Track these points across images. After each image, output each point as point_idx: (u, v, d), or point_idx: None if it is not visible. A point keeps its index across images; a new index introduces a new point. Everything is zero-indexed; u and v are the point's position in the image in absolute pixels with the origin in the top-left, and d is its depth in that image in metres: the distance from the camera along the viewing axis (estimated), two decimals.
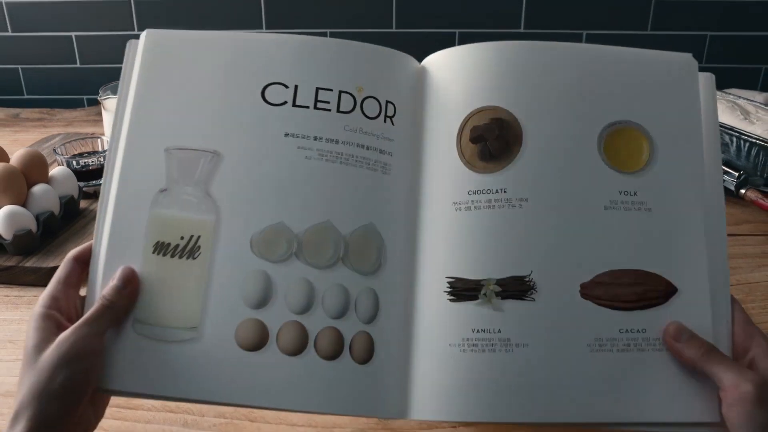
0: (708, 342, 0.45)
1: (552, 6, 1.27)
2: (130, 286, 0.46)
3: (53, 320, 0.44)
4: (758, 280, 0.74)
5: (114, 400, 0.56)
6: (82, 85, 1.36)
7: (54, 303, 0.45)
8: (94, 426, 0.46)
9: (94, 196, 0.87)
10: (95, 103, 1.35)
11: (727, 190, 0.92)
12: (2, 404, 0.57)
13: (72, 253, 0.48)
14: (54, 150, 0.88)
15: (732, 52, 1.33)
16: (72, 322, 0.44)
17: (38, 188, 0.76)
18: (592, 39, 1.30)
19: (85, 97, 1.37)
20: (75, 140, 0.91)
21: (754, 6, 1.29)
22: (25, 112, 1.29)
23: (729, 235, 0.82)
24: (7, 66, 1.34)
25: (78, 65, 1.34)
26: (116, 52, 1.29)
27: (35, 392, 0.41)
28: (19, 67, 1.35)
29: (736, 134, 0.93)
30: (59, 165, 0.86)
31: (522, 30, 1.29)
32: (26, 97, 1.37)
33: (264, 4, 1.26)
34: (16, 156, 0.78)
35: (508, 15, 1.28)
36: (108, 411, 0.55)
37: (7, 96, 1.36)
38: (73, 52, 1.33)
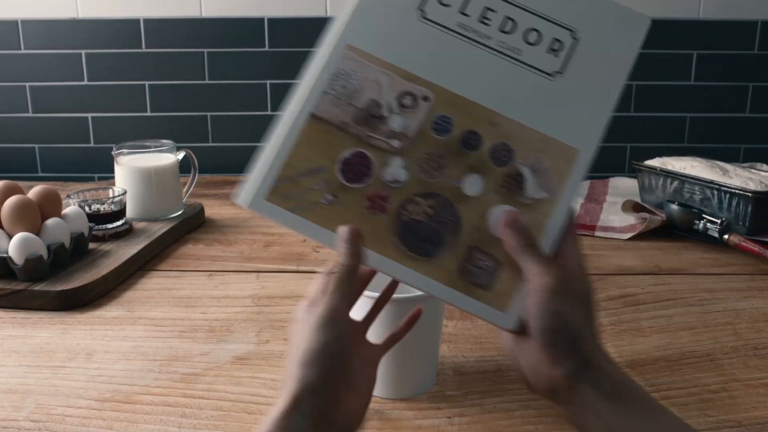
0: (534, 239, 0.47)
1: None
2: (357, 242, 0.47)
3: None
4: (744, 307, 0.77)
5: (112, 394, 0.58)
6: (94, 163, 1.42)
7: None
8: (359, 422, 0.46)
9: (103, 239, 0.90)
10: (105, 179, 1.41)
11: (711, 237, 0.96)
12: (3, 399, 0.58)
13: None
14: (68, 195, 0.92)
15: (712, 132, 1.40)
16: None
17: (51, 221, 0.80)
18: None
19: (96, 175, 1.43)
20: (88, 190, 0.96)
21: (727, 90, 1.38)
22: (39, 185, 1.35)
23: (716, 274, 0.86)
24: (25, 145, 1.42)
25: (92, 144, 1.42)
26: (128, 133, 1.37)
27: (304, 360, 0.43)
28: (36, 146, 1.42)
29: (717, 187, 0.98)
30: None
31: None
32: (40, 174, 1.43)
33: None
34: (33, 191, 0.83)
35: None
36: (107, 404, 0.57)
37: (21, 173, 1.42)
38: (88, 133, 1.41)
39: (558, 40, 0.52)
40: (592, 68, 0.51)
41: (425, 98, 0.50)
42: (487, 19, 0.52)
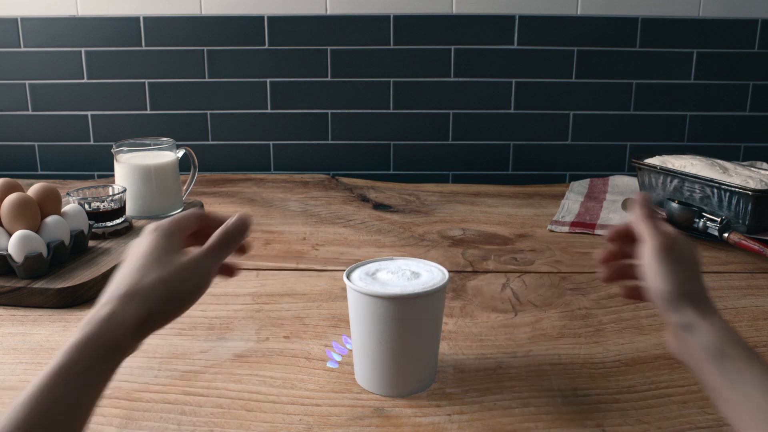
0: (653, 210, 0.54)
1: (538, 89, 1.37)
2: (246, 224, 0.53)
3: (179, 239, 0.51)
4: (744, 306, 0.77)
5: (111, 392, 0.58)
6: (93, 161, 1.42)
7: (179, 229, 0.51)
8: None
9: (103, 237, 0.90)
10: (105, 177, 1.41)
11: (711, 235, 0.96)
12: (2, 396, 0.58)
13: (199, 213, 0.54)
14: (68, 193, 0.92)
15: (712, 131, 1.40)
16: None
17: (51, 219, 0.80)
18: (578, 118, 1.38)
19: (96, 172, 1.43)
20: (88, 188, 0.96)
21: (727, 89, 1.38)
22: (39, 182, 1.35)
23: (716, 273, 0.86)
24: (25, 143, 1.42)
25: (92, 142, 1.41)
26: (128, 131, 1.38)
27: (162, 283, 0.46)
28: (36, 144, 1.42)
29: (717, 185, 0.98)
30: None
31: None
32: (40, 172, 1.43)
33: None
34: (32, 188, 0.83)
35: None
36: (107, 401, 0.57)
37: (21, 171, 1.42)
38: (88, 130, 1.41)
39: None
40: None
41: None
42: None
